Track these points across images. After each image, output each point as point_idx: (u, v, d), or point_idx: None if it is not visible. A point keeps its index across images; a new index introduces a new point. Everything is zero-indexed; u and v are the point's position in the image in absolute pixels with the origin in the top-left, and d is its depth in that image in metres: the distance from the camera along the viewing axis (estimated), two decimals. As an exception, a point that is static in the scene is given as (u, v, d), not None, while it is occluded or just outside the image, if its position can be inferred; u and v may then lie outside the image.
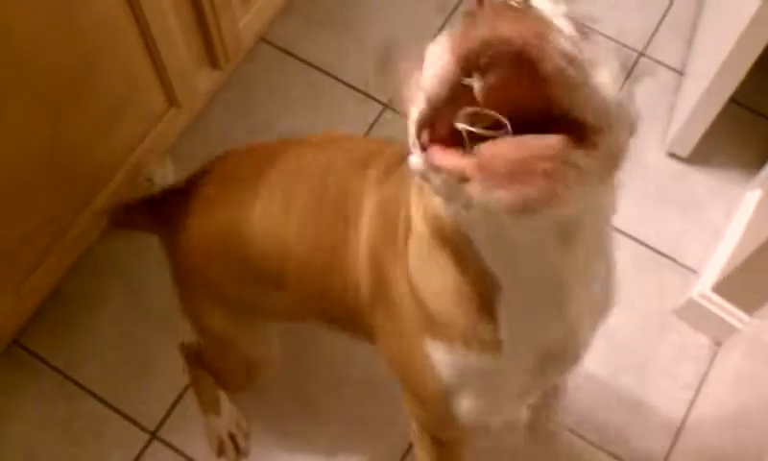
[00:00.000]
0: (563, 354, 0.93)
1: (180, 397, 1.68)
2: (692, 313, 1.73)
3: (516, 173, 0.54)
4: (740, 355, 1.63)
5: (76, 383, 1.68)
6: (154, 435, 1.65)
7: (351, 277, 1.09)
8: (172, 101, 1.69)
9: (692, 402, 1.70)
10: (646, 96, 2.01)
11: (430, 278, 0.88)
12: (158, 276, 1.77)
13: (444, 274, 0.85)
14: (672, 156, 1.94)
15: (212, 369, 1.57)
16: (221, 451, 1.63)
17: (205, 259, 1.28)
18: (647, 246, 1.85)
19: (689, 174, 1.93)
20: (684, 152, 1.91)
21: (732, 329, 1.69)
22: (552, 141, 0.55)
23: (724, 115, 1.80)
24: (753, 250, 1.56)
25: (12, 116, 1.32)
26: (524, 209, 0.55)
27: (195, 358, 1.60)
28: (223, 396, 1.62)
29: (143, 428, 1.65)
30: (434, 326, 0.92)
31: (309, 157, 1.20)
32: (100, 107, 1.50)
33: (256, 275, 1.23)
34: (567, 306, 0.83)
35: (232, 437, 1.62)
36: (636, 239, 1.85)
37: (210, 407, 1.62)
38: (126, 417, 1.66)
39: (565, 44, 0.56)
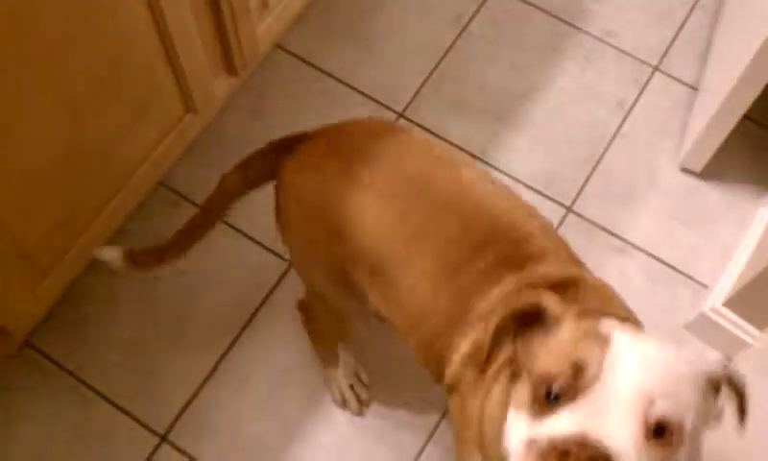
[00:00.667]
0: None
1: (190, 400, 1.68)
2: (703, 328, 1.73)
3: None
4: (750, 370, 1.63)
5: (87, 386, 1.69)
6: (164, 438, 1.65)
7: (446, 343, 1.17)
8: (189, 107, 1.70)
9: (702, 418, 1.70)
10: (660, 111, 2.02)
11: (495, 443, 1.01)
12: (170, 280, 1.78)
13: None
14: (685, 171, 1.94)
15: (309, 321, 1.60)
16: (344, 403, 1.67)
17: (302, 219, 1.29)
18: (660, 260, 1.85)
19: (702, 189, 1.93)
20: (698, 167, 1.92)
21: (742, 345, 1.69)
22: None
23: (737, 132, 1.80)
24: (765, 265, 1.56)
25: (36, 115, 1.33)
26: None
27: (311, 314, 1.59)
28: (342, 350, 1.64)
29: (153, 432, 1.65)
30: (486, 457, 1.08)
31: (455, 194, 1.21)
32: (120, 111, 1.51)
33: (346, 255, 1.25)
34: None
35: (353, 388, 1.67)
36: (648, 253, 1.85)
37: (330, 361, 1.64)
38: (136, 420, 1.66)
39: None
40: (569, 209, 1.90)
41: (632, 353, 0.87)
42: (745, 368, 1.64)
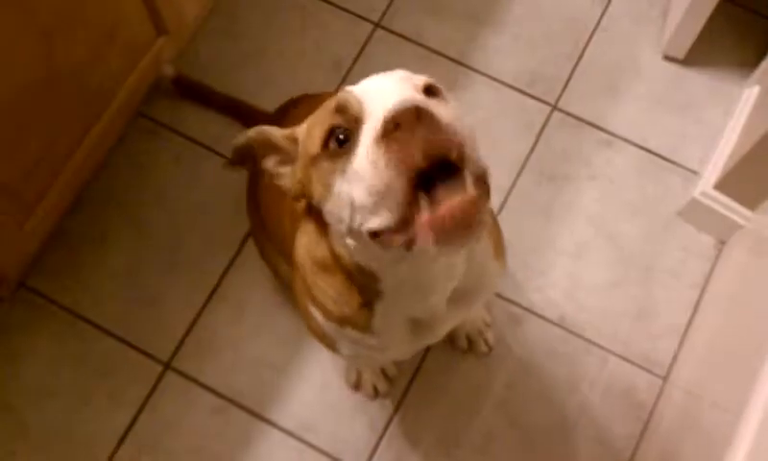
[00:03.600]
0: (428, 329, 1.10)
1: (191, 326, 1.68)
2: (695, 213, 1.74)
3: (459, 227, 0.77)
4: (744, 252, 1.64)
5: (86, 321, 1.68)
6: (167, 366, 1.65)
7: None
8: (160, 29, 1.66)
9: (698, 303, 1.72)
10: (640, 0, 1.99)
11: (316, 278, 1.05)
12: (159, 208, 1.77)
13: (329, 283, 1.03)
14: (668, 58, 1.92)
15: None
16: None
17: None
18: (647, 150, 1.84)
19: (686, 75, 1.91)
20: (681, 54, 1.90)
21: (735, 227, 1.70)
22: (475, 198, 0.78)
23: (718, 14, 1.78)
24: (752, 144, 1.56)
25: (7, 41, 1.29)
26: (455, 248, 0.79)
27: None
28: None
29: (156, 360, 1.66)
30: (315, 300, 1.08)
31: None
32: (91, 34, 1.47)
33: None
34: (431, 297, 1.02)
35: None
36: (636, 144, 1.85)
37: None
38: (138, 350, 1.66)
39: (462, 137, 0.79)
40: (554, 107, 1.89)
41: (373, 79, 0.88)
42: (739, 250, 1.66)
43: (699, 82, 1.91)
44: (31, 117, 1.42)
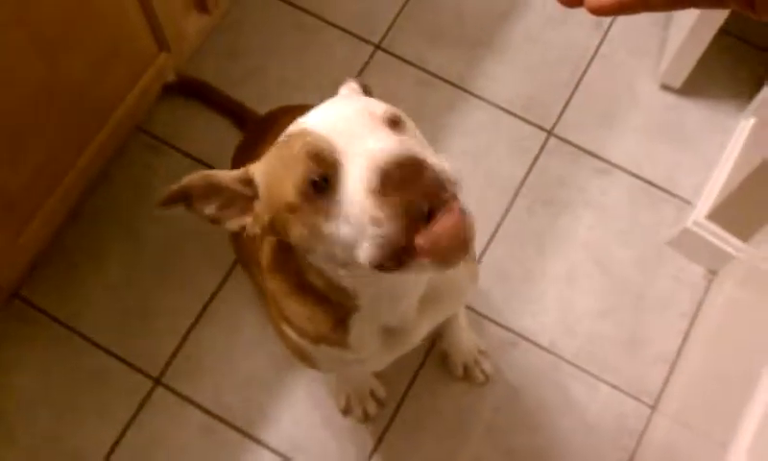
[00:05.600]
0: (402, 336, 1.12)
1: (182, 342, 1.69)
2: (687, 243, 1.74)
3: (454, 245, 0.79)
4: (735, 282, 1.65)
5: (78, 333, 1.69)
6: (158, 381, 1.66)
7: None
8: (161, 45, 1.68)
9: (688, 332, 1.72)
10: (638, 29, 2.01)
11: (287, 299, 1.06)
12: (155, 223, 1.78)
13: (301, 303, 1.04)
14: (665, 88, 1.94)
15: None
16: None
17: None
18: (641, 178, 1.85)
19: (682, 105, 1.93)
20: (677, 83, 1.91)
21: (727, 257, 1.70)
22: (465, 217, 0.80)
23: (715, 46, 1.80)
24: (746, 175, 1.57)
25: (12, 55, 1.31)
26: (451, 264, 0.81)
27: None
28: None
29: (147, 375, 1.66)
30: (289, 320, 1.10)
31: None
32: (93, 50, 1.49)
33: None
34: (401, 305, 1.05)
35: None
36: (630, 172, 1.86)
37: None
38: (129, 364, 1.67)
39: (446, 179, 0.80)
40: (550, 133, 1.90)
41: (327, 111, 0.89)
42: (730, 281, 1.66)
43: (695, 112, 1.92)
44: (31, 130, 1.43)
